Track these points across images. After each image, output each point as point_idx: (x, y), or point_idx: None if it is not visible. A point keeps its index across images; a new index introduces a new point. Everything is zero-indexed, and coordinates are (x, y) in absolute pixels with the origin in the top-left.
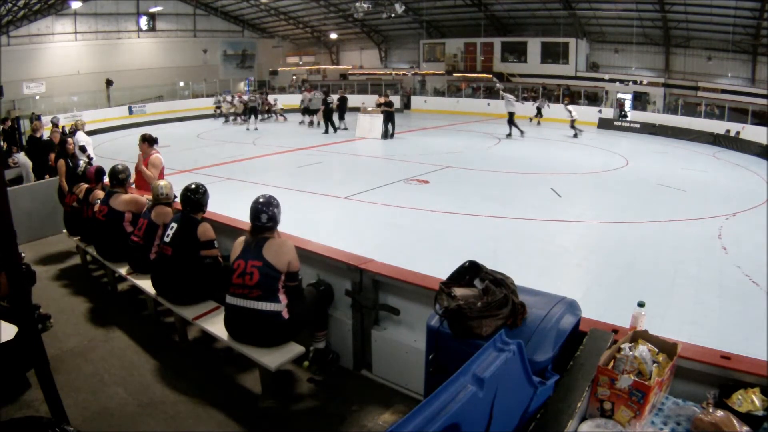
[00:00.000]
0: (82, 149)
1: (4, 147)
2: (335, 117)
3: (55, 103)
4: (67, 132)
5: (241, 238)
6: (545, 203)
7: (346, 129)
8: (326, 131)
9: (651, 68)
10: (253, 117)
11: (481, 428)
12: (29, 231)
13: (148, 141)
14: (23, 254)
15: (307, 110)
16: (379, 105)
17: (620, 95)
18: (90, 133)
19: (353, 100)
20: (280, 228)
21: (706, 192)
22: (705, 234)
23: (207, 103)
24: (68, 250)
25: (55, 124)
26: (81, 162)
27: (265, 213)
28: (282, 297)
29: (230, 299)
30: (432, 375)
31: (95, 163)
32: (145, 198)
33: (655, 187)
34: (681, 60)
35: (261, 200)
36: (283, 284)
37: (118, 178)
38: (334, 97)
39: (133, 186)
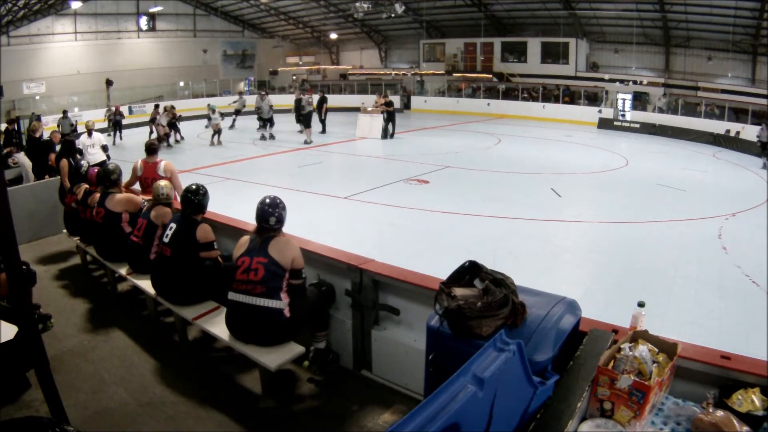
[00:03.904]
0: (104, 148)
1: (5, 148)
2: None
3: (55, 103)
4: (77, 132)
5: (247, 237)
6: (545, 203)
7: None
8: (323, 131)
9: (651, 68)
10: (268, 125)
11: (481, 428)
12: (29, 231)
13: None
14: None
15: (260, 118)
16: (383, 105)
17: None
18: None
19: (353, 99)
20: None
21: (706, 192)
22: (705, 234)
23: (205, 104)
24: (68, 250)
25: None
26: (83, 162)
27: (272, 215)
28: (284, 296)
29: (233, 295)
30: (432, 375)
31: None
32: (141, 198)
33: (655, 187)
34: (681, 60)
35: (267, 201)
36: (287, 282)
37: (110, 178)
38: (315, 98)
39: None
